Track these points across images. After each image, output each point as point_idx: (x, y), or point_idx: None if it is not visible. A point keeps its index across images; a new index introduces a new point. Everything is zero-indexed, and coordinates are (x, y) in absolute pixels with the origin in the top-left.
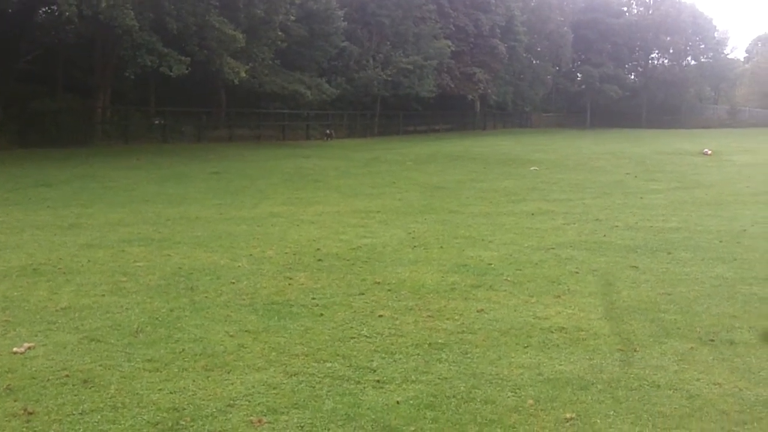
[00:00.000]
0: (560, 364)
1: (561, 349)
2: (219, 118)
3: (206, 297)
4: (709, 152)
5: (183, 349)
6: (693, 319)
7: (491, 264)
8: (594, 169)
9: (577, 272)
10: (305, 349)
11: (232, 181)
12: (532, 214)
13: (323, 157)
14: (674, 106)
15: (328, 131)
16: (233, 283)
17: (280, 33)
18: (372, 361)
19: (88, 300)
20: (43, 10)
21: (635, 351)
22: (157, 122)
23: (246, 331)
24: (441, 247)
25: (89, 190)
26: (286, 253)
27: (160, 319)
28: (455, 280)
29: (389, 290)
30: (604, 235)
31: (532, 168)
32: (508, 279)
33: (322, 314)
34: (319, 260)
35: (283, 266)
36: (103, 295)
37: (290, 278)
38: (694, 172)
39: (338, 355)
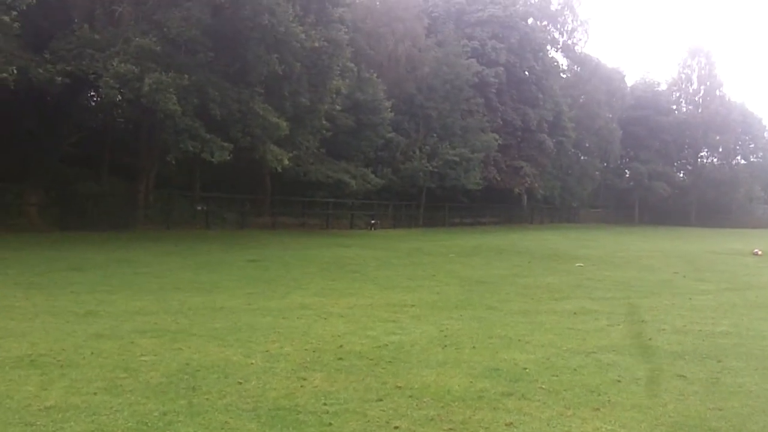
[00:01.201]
0: None
1: None
2: (263, 206)
3: (207, 399)
4: (760, 252)
5: None
6: None
7: (526, 368)
8: (642, 267)
9: (619, 381)
10: None
11: (268, 269)
12: (575, 314)
13: (365, 246)
14: (724, 205)
15: (373, 221)
16: (240, 383)
17: (325, 122)
18: None
19: (78, 399)
20: (89, 94)
21: None
22: (200, 208)
23: None
24: (473, 347)
25: (120, 275)
26: (306, 349)
27: (149, 424)
28: (485, 386)
29: (410, 396)
30: (650, 339)
31: (577, 264)
32: (543, 387)
33: (330, 423)
34: (340, 359)
35: (299, 365)
36: (95, 394)
37: (304, 379)
38: (744, 273)
39: None
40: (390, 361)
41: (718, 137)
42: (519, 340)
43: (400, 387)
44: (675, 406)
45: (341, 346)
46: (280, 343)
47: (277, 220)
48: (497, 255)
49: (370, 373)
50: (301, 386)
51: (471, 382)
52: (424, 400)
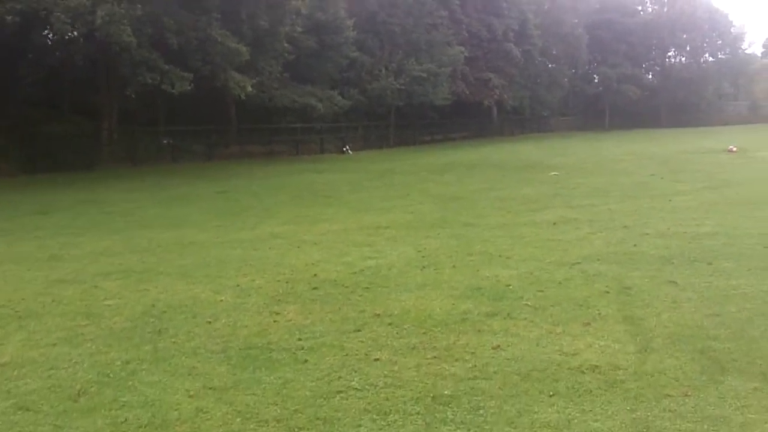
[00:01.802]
0: (595, 419)
1: (595, 396)
2: (230, 135)
3: (174, 342)
4: (735, 149)
5: (126, 419)
6: (750, 348)
7: (509, 285)
8: (616, 171)
9: (607, 292)
10: (279, 411)
11: (237, 200)
12: (554, 224)
13: (336, 170)
14: (694, 104)
15: (345, 147)
16: (209, 322)
17: (287, 45)
18: (360, 426)
19: (35, 352)
20: (43, 32)
21: (687, 396)
22: (165, 142)
23: (210, 388)
24: (453, 266)
25: (86, 216)
26: (279, 281)
27: (111, 375)
28: (468, 307)
29: (390, 324)
30: (635, 245)
31: (552, 173)
32: (529, 303)
33: (306, 360)
34: (315, 288)
35: (272, 298)
36: (55, 345)
37: (277, 313)
38: (721, 171)
39: (318, 419)
40: (367, 287)
41: (685, 36)
42: (500, 255)
43: (378, 315)
44: (669, 315)
45: (315, 274)
46: (252, 276)
47: (245, 150)
48: (470, 170)
49: (347, 301)
50: (274, 321)
51: (453, 303)
52: (405, 327)
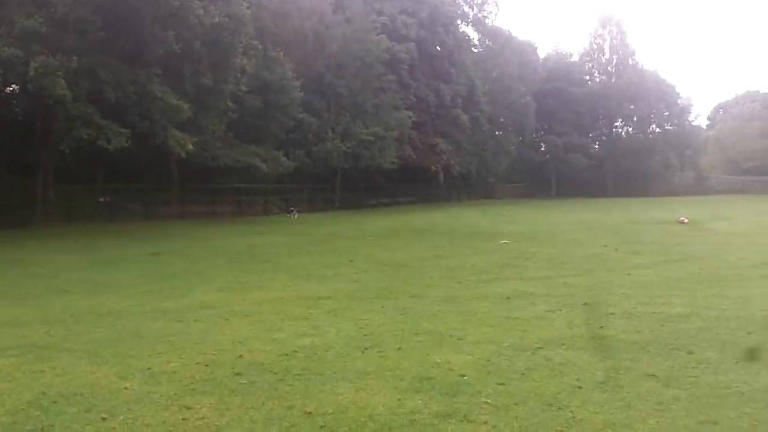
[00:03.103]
0: None
1: None
2: (171, 195)
3: None
4: (686, 221)
5: None
6: None
7: (464, 376)
8: (568, 241)
9: (579, 387)
10: None
11: (170, 263)
12: (508, 298)
13: (278, 233)
14: (640, 174)
15: (292, 208)
16: (104, 419)
17: (231, 104)
18: None
19: None
20: None
21: None
22: (102, 200)
23: None
24: (399, 348)
25: (6, 278)
26: (198, 363)
27: None
28: (416, 404)
29: (322, 427)
30: (601, 327)
31: (502, 241)
32: (489, 401)
33: None
34: (237, 374)
35: (186, 387)
36: None
37: (188, 407)
38: (676, 243)
39: None
40: (299, 374)
41: (632, 106)
42: (451, 335)
43: (309, 413)
44: (657, 420)
45: (241, 356)
46: (168, 356)
47: (186, 210)
48: (417, 235)
49: (273, 393)
50: (183, 419)
51: (399, 399)
52: (341, 431)
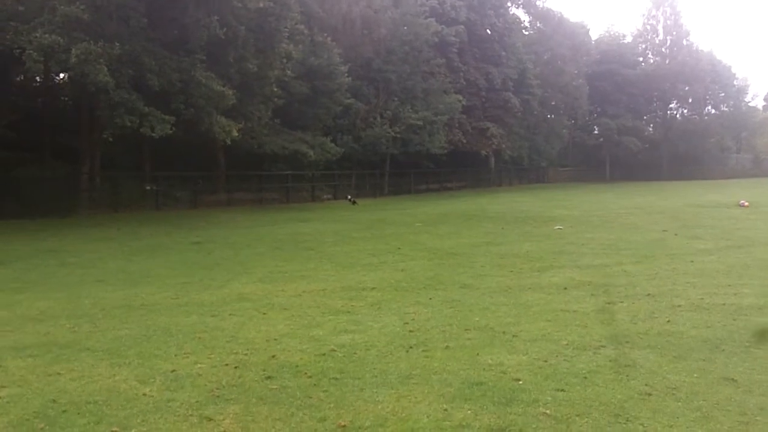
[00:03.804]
0: None
1: None
2: (218, 182)
3: None
4: (746, 204)
5: None
6: None
7: (519, 380)
8: (625, 226)
9: (648, 394)
10: None
11: (212, 252)
12: (565, 288)
13: (325, 220)
14: (696, 157)
15: (349, 196)
16: None
17: (276, 90)
18: None
19: None
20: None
21: None
22: (149, 188)
23: None
24: (447, 346)
25: (41, 268)
26: (227, 364)
27: None
28: (465, 416)
29: None
30: (668, 321)
31: (555, 227)
32: (548, 412)
33: None
34: (268, 378)
35: (210, 393)
36: None
37: (209, 419)
38: (738, 227)
39: None
40: (335, 378)
41: (687, 88)
42: (504, 332)
43: (343, 426)
44: None
45: (274, 356)
46: (196, 357)
47: (233, 197)
48: (467, 221)
49: (305, 401)
50: None
51: (445, 409)
52: None
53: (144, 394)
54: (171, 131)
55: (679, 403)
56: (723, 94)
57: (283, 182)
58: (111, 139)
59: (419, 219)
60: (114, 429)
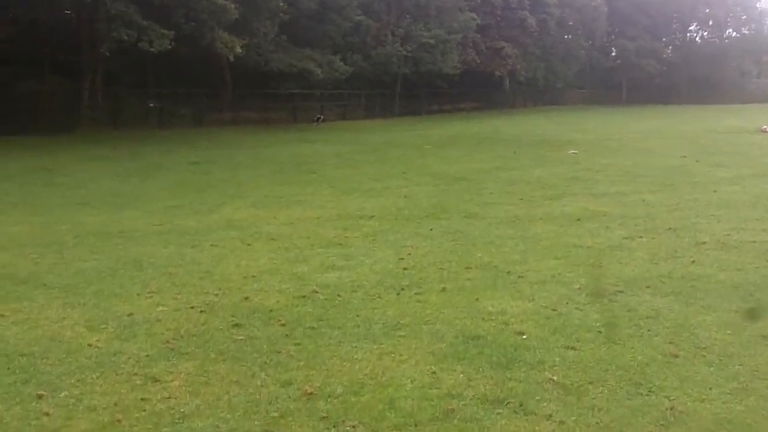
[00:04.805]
0: None
1: None
2: (223, 100)
3: None
4: None
5: None
6: None
7: (523, 334)
8: (642, 151)
9: (675, 355)
10: None
11: (209, 173)
12: (578, 220)
13: (330, 141)
14: (715, 81)
15: (318, 115)
16: (40, 396)
17: (282, 4)
18: None
19: None
20: None
21: None
22: (152, 105)
23: None
24: (443, 288)
25: (26, 187)
26: (192, 307)
27: None
28: (456, 382)
29: (323, 418)
30: (693, 261)
31: (570, 151)
32: (555, 378)
33: None
34: (235, 326)
35: (164, 344)
36: None
37: (156, 380)
38: (761, 154)
39: None
40: (311, 328)
41: (707, 10)
42: (508, 272)
43: (310, 394)
44: None
45: (247, 297)
46: (160, 296)
47: (239, 116)
48: (478, 144)
49: (272, 358)
50: (142, 400)
51: (434, 372)
52: (348, 424)
53: (89, 345)
54: (170, 46)
55: (712, 369)
56: (745, 17)
57: (291, 101)
58: (108, 54)
59: (428, 141)
60: (41, 392)
